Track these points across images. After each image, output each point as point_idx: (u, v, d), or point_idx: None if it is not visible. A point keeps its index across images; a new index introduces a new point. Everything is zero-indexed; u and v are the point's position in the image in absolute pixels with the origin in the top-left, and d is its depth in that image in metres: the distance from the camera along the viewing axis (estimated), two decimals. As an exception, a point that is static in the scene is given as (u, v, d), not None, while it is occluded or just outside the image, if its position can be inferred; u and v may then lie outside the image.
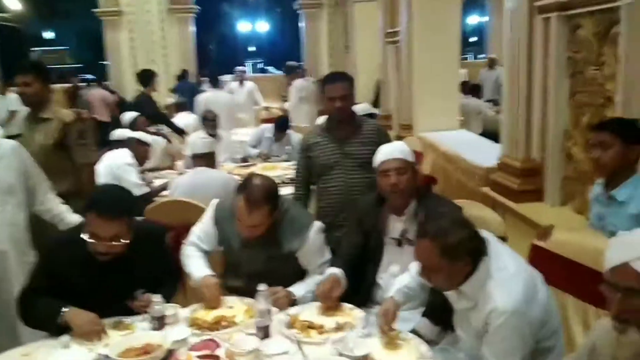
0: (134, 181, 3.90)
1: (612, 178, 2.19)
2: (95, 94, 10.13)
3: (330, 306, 2.12)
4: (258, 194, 2.15)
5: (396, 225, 2.29)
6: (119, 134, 4.58)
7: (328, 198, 2.90)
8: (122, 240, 2.02)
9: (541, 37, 3.43)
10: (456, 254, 1.65)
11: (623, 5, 2.66)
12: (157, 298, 2.00)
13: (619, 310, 1.31)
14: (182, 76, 10.78)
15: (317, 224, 2.36)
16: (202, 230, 2.42)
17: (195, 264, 2.34)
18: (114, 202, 2.05)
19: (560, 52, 3.29)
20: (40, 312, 2.05)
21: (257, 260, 2.28)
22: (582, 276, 2.02)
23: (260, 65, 16.99)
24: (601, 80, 2.99)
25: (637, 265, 1.27)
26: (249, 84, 9.05)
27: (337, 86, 2.80)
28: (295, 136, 5.58)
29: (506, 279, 1.65)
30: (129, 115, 5.18)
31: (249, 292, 2.19)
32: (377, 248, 2.34)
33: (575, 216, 3.20)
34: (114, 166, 3.92)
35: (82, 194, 3.07)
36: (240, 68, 9.76)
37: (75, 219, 2.70)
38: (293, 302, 2.20)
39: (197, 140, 3.69)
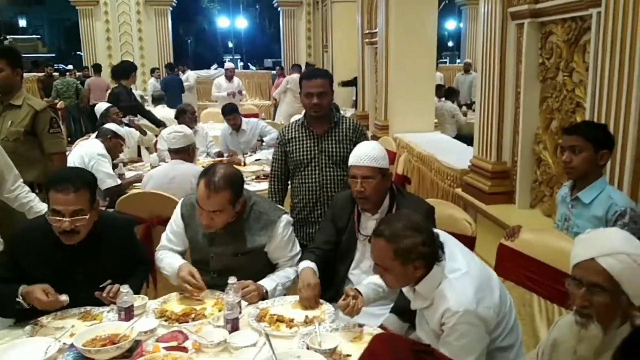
0: (106, 172, 3.86)
1: (580, 180, 2.25)
2: (95, 81, 10.09)
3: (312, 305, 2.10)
4: (219, 178, 2.11)
5: (369, 223, 2.30)
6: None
7: (302, 194, 2.90)
8: (85, 216, 1.99)
9: (514, 42, 3.52)
10: (409, 257, 1.67)
11: (593, 14, 2.73)
12: (125, 289, 1.98)
13: (582, 305, 1.35)
14: (169, 69, 10.80)
15: (285, 217, 2.34)
16: (171, 231, 2.39)
17: (169, 261, 2.30)
18: (73, 176, 2.03)
19: (532, 58, 3.38)
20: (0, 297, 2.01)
21: (225, 256, 2.26)
22: (547, 275, 2.08)
23: (240, 63, 16.92)
24: (571, 86, 3.07)
25: (602, 261, 1.31)
26: (236, 80, 9.06)
27: (314, 82, 2.79)
28: (254, 121, 5.56)
29: (459, 278, 1.69)
30: (101, 106, 5.10)
31: (218, 287, 2.18)
32: (350, 244, 2.35)
33: (543, 218, 3.28)
34: (85, 156, 3.86)
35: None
36: (228, 64, 9.76)
37: (44, 207, 2.65)
38: (264, 296, 2.19)
39: (173, 134, 3.65)
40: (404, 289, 1.86)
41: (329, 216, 2.48)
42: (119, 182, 3.92)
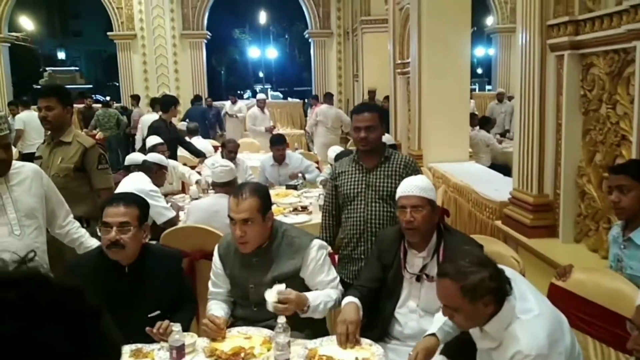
0: (162, 205, 3.95)
1: (631, 220, 2.20)
2: (139, 113, 10.46)
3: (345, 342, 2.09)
4: (246, 189, 2.28)
5: (416, 261, 2.29)
6: (134, 158, 4.64)
7: (348, 229, 2.87)
8: (131, 230, 2.14)
9: (553, 74, 3.49)
10: (477, 294, 1.64)
11: (637, 47, 2.70)
12: (176, 327, 2.01)
13: (634, 346, 1.36)
14: (195, 100, 10.99)
15: (318, 241, 2.36)
16: (213, 274, 2.45)
17: (211, 313, 2.33)
18: (126, 195, 2.26)
19: (573, 90, 3.34)
20: None
21: (263, 285, 2.27)
22: (602, 317, 2.02)
23: (271, 92, 17.24)
24: (615, 119, 3.02)
25: None
26: (266, 110, 9.24)
27: (362, 116, 2.79)
28: (295, 155, 5.60)
29: (531, 320, 1.65)
30: (151, 140, 5.23)
31: (261, 321, 2.21)
32: (396, 282, 2.33)
33: (589, 254, 3.20)
34: (138, 192, 3.90)
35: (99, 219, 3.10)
36: (261, 95, 9.91)
37: (93, 242, 2.73)
38: (303, 309, 2.18)
39: (219, 169, 3.74)
40: (471, 330, 1.81)
41: (375, 253, 2.46)
42: (174, 213, 4.00)
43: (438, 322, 2.01)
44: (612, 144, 3.05)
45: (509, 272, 1.77)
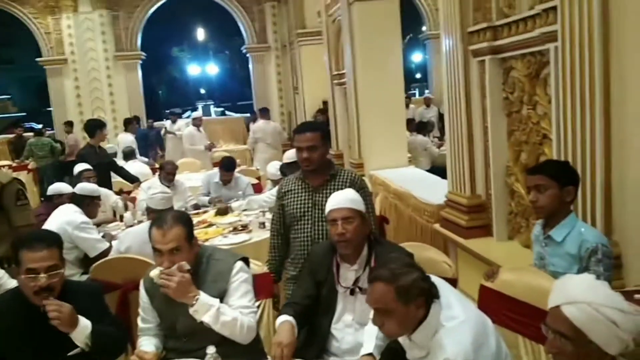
0: (95, 237, 3.78)
1: (550, 219, 2.26)
2: (73, 137, 10.27)
3: None
4: (169, 217, 2.18)
5: (349, 274, 2.27)
6: (58, 187, 4.40)
7: (295, 250, 2.81)
8: (59, 270, 2.06)
9: (477, 78, 3.59)
10: (411, 294, 1.66)
11: (551, 49, 2.81)
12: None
13: (551, 351, 1.39)
14: (131, 122, 10.71)
15: (239, 264, 2.27)
16: (141, 309, 2.34)
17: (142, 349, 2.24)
18: (43, 234, 2.14)
19: (496, 93, 3.45)
20: None
21: (190, 319, 2.16)
22: (530, 315, 2.06)
23: (213, 108, 17.02)
24: (535, 119, 3.13)
25: (566, 309, 1.32)
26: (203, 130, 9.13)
27: (304, 136, 2.73)
28: (244, 179, 5.54)
29: (456, 327, 1.67)
30: (78, 167, 5.03)
31: (191, 352, 2.15)
32: (330, 297, 2.30)
33: (522, 250, 3.29)
34: (68, 226, 3.69)
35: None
36: (196, 113, 9.75)
37: (13, 283, 2.57)
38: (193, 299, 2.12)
39: (159, 195, 3.63)
40: (400, 339, 1.80)
41: (307, 269, 2.43)
42: (107, 244, 3.82)
43: (371, 338, 2.01)
44: (535, 143, 3.16)
45: (434, 279, 1.78)
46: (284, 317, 2.20)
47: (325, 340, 2.27)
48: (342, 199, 2.28)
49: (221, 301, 2.19)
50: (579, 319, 1.31)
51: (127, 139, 8.52)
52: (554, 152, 2.85)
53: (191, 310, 2.11)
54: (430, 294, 1.70)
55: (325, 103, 9.51)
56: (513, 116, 3.36)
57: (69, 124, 10.63)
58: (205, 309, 2.12)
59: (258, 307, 2.50)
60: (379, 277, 1.69)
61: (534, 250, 2.38)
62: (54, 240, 2.12)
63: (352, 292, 2.26)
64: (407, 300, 1.66)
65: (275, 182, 5.00)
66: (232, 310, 2.18)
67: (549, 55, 2.87)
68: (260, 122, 8.94)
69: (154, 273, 2.10)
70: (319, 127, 2.91)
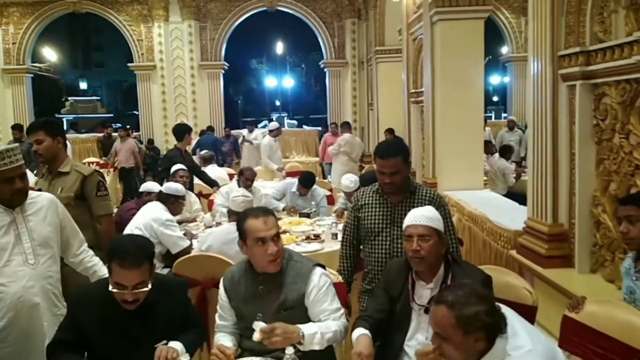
0: (178, 235, 4.00)
1: (642, 251, 2.17)
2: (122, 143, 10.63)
3: None
4: (259, 209, 2.38)
5: (424, 292, 2.26)
6: (148, 186, 4.72)
7: (372, 264, 2.82)
8: (146, 287, 2.10)
9: (566, 103, 3.49)
10: (471, 326, 1.63)
11: (649, 76, 2.70)
12: (185, 357, 2.02)
13: None
14: (206, 131, 11.15)
15: (320, 269, 2.34)
16: (220, 306, 2.44)
17: (219, 344, 2.32)
18: (134, 250, 2.12)
19: (586, 119, 3.33)
20: None
21: (270, 314, 2.26)
22: (616, 351, 1.98)
23: (287, 120, 17.45)
24: (628, 149, 3.00)
25: None
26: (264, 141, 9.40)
27: (387, 162, 2.70)
28: (320, 191, 5.64)
29: (522, 357, 1.62)
30: (173, 168, 5.36)
31: (268, 353, 2.20)
32: (404, 314, 2.29)
33: (605, 284, 3.14)
34: (154, 222, 3.97)
35: (101, 245, 3.14)
36: (274, 124, 10.04)
37: (106, 270, 2.74)
38: (299, 341, 2.12)
39: (240, 199, 3.81)
40: None
41: (381, 284, 2.43)
42: (189, 242, 4.03)
43: None
44: (626, 174, 3.02)
45: (503, 309, 1.74)
46: (360, 330, 2.21)
47: (398, 357, 2.27)
48: (420, 215, 2.27)
49: (301, 303, 2.25)
50: None
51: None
52: (648, 185, 2.72)
53: (301, 348, 2.13)
54: (494, 330, 1.65)
55: (388, 131, 9.39)
56: (603, 144, 3.24)
57: (18, 128, 9.43)
58: (311, 339, 2.15)
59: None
60: (443, 300, 1.68)
61: (624, 284, 2.28)
62: (145, 257, 2.14)
63: (427, 311, 2.22)
64: (467, 331, 1.63)
65: (348, 195, 5.06)
66: (329, 324, 2.23)
67: (646, 82, 2.77)
68: (347, 135, 9.10)
69: (257, 337, 2.08)
70: (400, 151, 2.81)
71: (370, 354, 2.10)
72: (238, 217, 2.46)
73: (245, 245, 2.32)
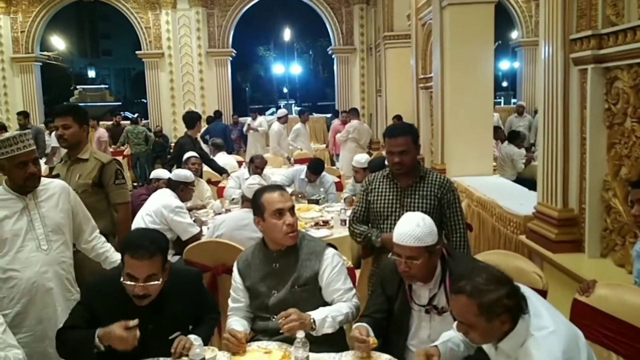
0: (187, 222, 4.04)
1: (654, 234, 2.16)
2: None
3: (365, 356, 2.08)
4: (274, 185, 2.49)
5: (422, 292, 2.22)
6: (158, 173, 4.76)
7: (381, 248, 2.79)
8: (157, 281, 2.10)
9: (577, 87, 3.45)
10: (494, 312, 1.63)
11: (662, 59, 2.67)
12: (197, 341, 2.04)
13: None
14: (215, 117, 11.10)
15: (332, 249, 2.38)
16: (233, 289, 2.47)
17: (231, 327, 2.34)
18: (147, 242, 2.12)
19: (597, 103, 3.29)
20: (76, 341, 2.10)
21: (284, 290, 2.29)
22: (626, 333, 1.98)
23: (295, 107, 17.43)
24: (640, 133, 2.97)
25: None
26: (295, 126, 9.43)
27: (396, 141, 2.72)
28: (329, 178, 5.65)
29: (546, 337, 1.63)
30: (186, 155, 5.37)
31: (281, 333, 2.19)
32: (403, 315, 2.26)
33: (616, 269, 3.13)
34: (164, 209, 4.01)
35: (118, 233, 3.17)
36: (282, 111, 10.03)
37: (118, 257, 2.77)
38: (312, 327, 2.14)
39: (255, 186, 3.82)
40: (485, 346, 1.79)
41: (378, 281, 2.41)
42: (199, 228, 4.08)
43: (444, 338, 2.01)
44: (638, 158, 3.00)
45: (523, 289, 1.75)
46: (360, 323, 2.21)
47: (403, 357, 2.23)
48: (407, 235, 2.10)
49: (314, 280, 2.28)
50: None
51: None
52: (660, 169, 2.70)
53: (314, 333, 2.15)
54: (517, 310, 1.65)
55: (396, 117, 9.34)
56: (615, 128, 3.21)
57: (23, 114, 9.70)
58: (323, 324, 2.18)
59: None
60: (462, 290, 1.67)
61: (635, 268, 2.28)
62: (158, 249, 2.12)
63: (427, 311, 2.22)
64: (490, 317, 1.63)
65: (357, 173, 5.09)
66: (340, 306, 2.27)
67: (659, 66, 2.73)
68: (355, 122, 9.12)
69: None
70: (410, 131, 2.83)
71: (365, 329, 2.11)
72: (253, 194, 2.50)
73: (262, 220, 2.34)
